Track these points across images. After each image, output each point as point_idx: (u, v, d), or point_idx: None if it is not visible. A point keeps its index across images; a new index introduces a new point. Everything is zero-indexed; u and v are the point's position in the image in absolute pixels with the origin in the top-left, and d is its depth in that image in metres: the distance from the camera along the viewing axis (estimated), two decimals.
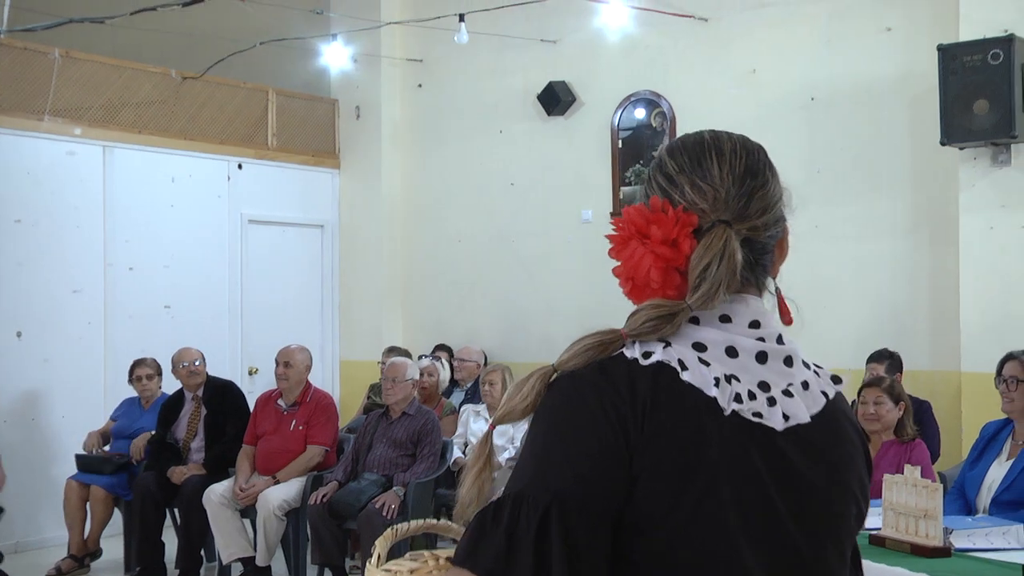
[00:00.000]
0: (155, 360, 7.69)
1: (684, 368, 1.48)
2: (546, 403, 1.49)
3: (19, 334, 7.77)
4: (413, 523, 1.88)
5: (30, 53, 8.30)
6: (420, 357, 7.92)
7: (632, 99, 8.81)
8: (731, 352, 1.52)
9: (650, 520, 1.44)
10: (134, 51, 9.50)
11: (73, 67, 8.53)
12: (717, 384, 1.48)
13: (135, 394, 7.70)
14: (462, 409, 7.58)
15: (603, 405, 1.45)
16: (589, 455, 1.43)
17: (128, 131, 8.88)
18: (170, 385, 7.63)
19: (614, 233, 1.56)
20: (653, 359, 1.48)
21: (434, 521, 1.97)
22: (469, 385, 8.17)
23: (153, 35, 9.95)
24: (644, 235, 1.52)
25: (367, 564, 1.77)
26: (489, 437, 1.54)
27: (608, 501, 1.43)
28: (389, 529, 1.85)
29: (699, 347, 1.51)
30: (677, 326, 1.50)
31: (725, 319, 1.53)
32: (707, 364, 1.50)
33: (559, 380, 1.50)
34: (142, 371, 7.62)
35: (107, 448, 7.56)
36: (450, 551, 1.59)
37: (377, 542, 1.80)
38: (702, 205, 1.54)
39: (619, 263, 1.54)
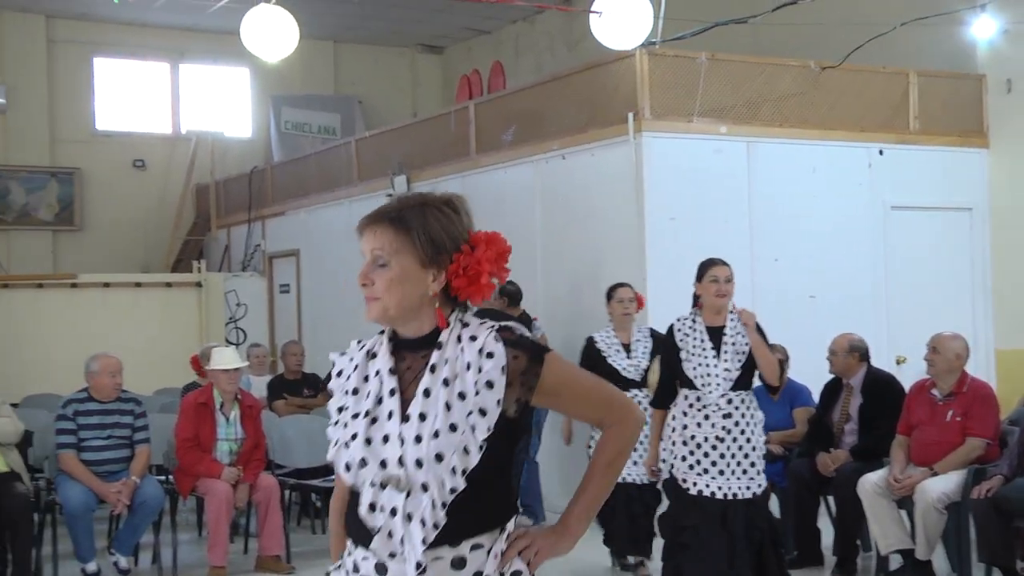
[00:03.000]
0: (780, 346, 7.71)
1: None
2: None
3: None
4: None
5: (680, 59, 8.81)
6: None
7: None
8: None
9: None
10: (773, 46, 9.72)
11: (718, 68, 8.90)
12: None
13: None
14: None
15: None
16: None
17: (769, 125, 9.10)
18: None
19: None
20: None
21: None
22: None
23: (790, 29, 10.13)
24: None
25: None
26: None
27: None
28: None
29: None
30: None
31: None
32: None
33: None
34: None
35: None
36: None
37: None
38: None
39: None
